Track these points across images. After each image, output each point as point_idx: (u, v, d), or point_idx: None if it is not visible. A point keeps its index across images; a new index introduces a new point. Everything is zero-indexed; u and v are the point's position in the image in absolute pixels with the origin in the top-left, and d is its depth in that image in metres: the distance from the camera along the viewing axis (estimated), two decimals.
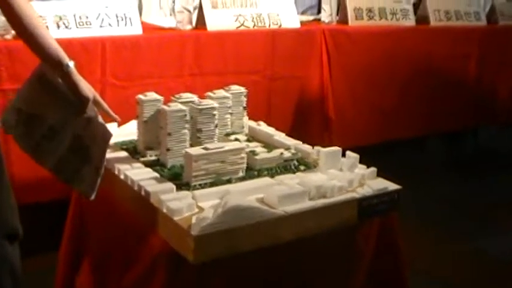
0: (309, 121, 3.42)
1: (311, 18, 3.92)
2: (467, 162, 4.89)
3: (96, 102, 1.83)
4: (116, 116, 1.95)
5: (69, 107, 1.78)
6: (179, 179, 1.96)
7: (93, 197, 1.83)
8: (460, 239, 3.39)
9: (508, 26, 4.54)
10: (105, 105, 1.90)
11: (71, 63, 1.73)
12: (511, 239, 3.49)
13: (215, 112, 2.16)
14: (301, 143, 2.31)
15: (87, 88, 1.77)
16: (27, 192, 2.54)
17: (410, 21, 3.94)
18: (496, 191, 4.18)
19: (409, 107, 3.96)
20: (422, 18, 4.05)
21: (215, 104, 2.17)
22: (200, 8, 3.10)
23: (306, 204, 1.82)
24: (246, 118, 2.44)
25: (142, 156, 2.17)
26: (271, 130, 2.44)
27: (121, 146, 2.27)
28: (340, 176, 2.01)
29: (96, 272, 2.30)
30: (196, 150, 1.92)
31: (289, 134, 2.39)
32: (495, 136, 5.48)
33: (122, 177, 2.00)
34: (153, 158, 2.16)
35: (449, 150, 5.25)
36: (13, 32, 2.57)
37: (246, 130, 2.44)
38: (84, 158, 1.82)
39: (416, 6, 4.08)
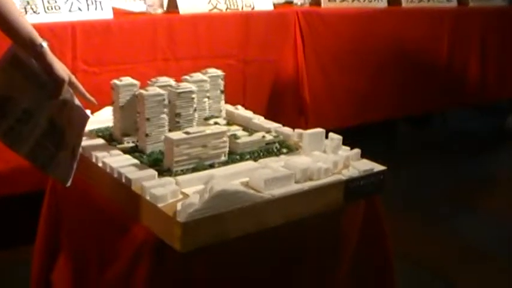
0: (284, 104, 3.38)
1: (282, 0, 3.86)
2: (439, 144, 4.92)
3: (71, 84, 1.76)
4: (93, 99, 1.88)
5: (44, 89, 1.70)
6: (159, 165, 1.89)
7: (69, 183, 1.75)
8: (437, 221, 3.39)
9: (478, 7, 4.55)
10: (81, 87, 1.83)
11: (45, 43, 1.65)
12: (486, 218, 3.51)
13: (194, 96, 2.10)
14: (281, 125, 2.26)
15: (62, 69, 1.70)
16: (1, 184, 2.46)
17: (382, 3, 3.92)
18: (470, 172, 4.20)
19: (382, 89, 3.94)
20: (394, 0, 4.02)
21: (193, 88, 2.10)
22: None
23: (292, 187, 1.78)
24: (223, 102, 2.39)
25: (120, 143, 2.10)
26: (249, 113, 2.39)
27: (96, 133, 2.19)
28: (324, 158, 1.96)
29: (73, 265, 2.22)
30: (177, 135, 1.86)
31: (265, 118, 2.34)
32: (462, 118, 5.51)
33: (99, 165, 1.92)
34: (131, 144, 2.09)
35: (419, 133, 5.26)
36: None
37: (224, 114, 2.38)
38: (60, 143, 1.74)
39: None
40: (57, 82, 1.68)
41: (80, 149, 1.77)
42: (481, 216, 3.52)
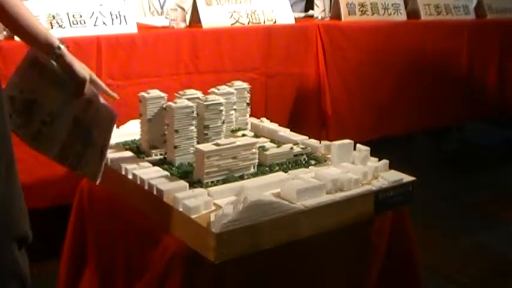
0: (305, 117, 3.37)
1: (302, 15, 3.88)
2: (456, 157, 4.90)
3: (92, 82, 1.77)
4: (115, 94, 1.90)
5: (66, 89, 1.72)
6: (189, 177, 1.90)
7: (98, 181, 1.77)
8: (460, 234, 3.37)
9: (496, 20, 4.54)
10: (103, 85, 1.85)
11: (62, 45, 1.66)
12: (508, 231, 3.48)
13: (222, 108, 2.10)
14: (307, 138, 2.26)
15: (82, 68, 1.71)
16: (25, 198, 2.45)
17: (401, 16, 3.92)
18: (487, 185, 4.17)
19: (402, 102, 3.93)
20: (413, 13, 4.03)
21: (222, 100, 2.11)
22: (194, 5, 3.04)
23: (324, 198, 1.78)
24: (248, 114, 2.39)
25: (147, 156, 2.10)
26: (275, 126, 2.39)
27: (123, 146, 2.20)
28: (354, 169, 1.96)
29: (100, 278, 2.22)
30: (207, 147, 1.86)
31: None
32: (479, 130, 5.48)
33: (129, 177, 1.93)
34: (159, 156, 2.09)
35: (436, 145, 5.24)
36: (5, 32, 2.50)
37: (249, 127, 2.38)
38: (87, 142, 1.75)
39: (406, 1, 4.05)
40: (78, 81, 1.69)
41: (109, 145, 1.80)
42: (503, 230, 3.48)
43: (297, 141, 2.18)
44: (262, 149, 2.04)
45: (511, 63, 4.60)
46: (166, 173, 1.90)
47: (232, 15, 3.12)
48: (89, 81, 1.73)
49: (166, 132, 2.06)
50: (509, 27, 4.56)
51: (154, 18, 3.39)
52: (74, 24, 2.64)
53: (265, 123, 2.43)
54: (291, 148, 2.07)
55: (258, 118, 2.48)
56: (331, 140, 2.17)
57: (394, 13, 3.87)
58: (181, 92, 2.17)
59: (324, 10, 3.60)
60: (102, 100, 1.78)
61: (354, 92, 3.61)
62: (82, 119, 1.76)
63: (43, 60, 1.71)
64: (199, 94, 2.16)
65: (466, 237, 3.33)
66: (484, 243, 3.28)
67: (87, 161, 1.76)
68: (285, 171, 1.96)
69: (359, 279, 1.99)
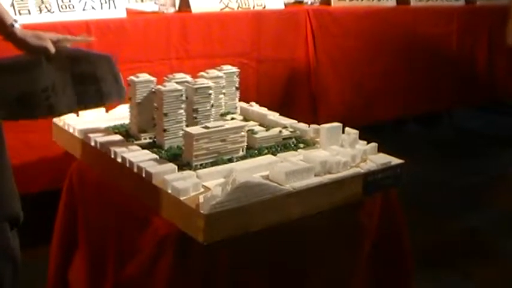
0: (295, 102, 3.38)
1: (292, 0, 3.87)
2: (445, 142, 4.92)
3: (60, 41, 1.77)
4: (89, 38, 1.94)
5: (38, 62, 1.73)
6: (178, 159, 1.90)
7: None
8: (449, 218, 3.39)
9: (485, 5, 4.55)
10: (71, 37, 1.87)
11: (16, 24, 1.67)
12: (496, 215, 3.51)
13: (211, 91, 2.10)
14: (296, 121, 2.27)
15: (37, 37, 1.71)
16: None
17: (391, 2, 3.93)
18: (477, 170, 4.21)
19: (392, 87, 3.95)
20: None
21: (210, 83, 2.11)
22: None
23: (312, 180, 1.78)
24: (238, 99, 2.39)
25: (137, 140, 2.10)
26: (264, 110, 2.40)
27: (113, 130, 2.20)
28: (342, 152, 1.97)
29: (91, 262, 2.22)
30: (196, 129, 1.87)
31: None
32: (468, 115, 5.50)
33: (118, 160, 1.93)
34: (148, 140, 2.10)
35: (426, 130, 5.26)
36: None
37: (239, 111, 2.39)
38: (96, 79, 1.81)
39: None
40: (40, 51, 1.69)
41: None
42: (492, 214, 3.51)
43: (286, 124, 2.19)
44: (251, 132, 2.04)
45: (500, 49, 4.61)
46: (155, 156, 1.90)
47: (221, 0, 3.11)
48: (54, 42, 1.73)
49: (155, 115, 2.06)
50: (498, 12, 4.57)
51: (144, 4, 3.38)
52: (62, 8, 2.63)
53: (255, 107, 2.43)
54: (280, 131, 2.08)
55: (248, 103, 2.48)
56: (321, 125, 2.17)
57: None
58: (170, 76, 2.17)
59: None
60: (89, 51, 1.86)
61: (344, 77, 3.63)
62: (78, 72, 1.80)
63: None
64: (188, 78, 2.17)
65: (455, 221, 3.35)
66: (473, 227, 3.30)
67: (108, 89, 1.83)
68: (274, 154, 1.97)
69: (349, 261, 2.01)
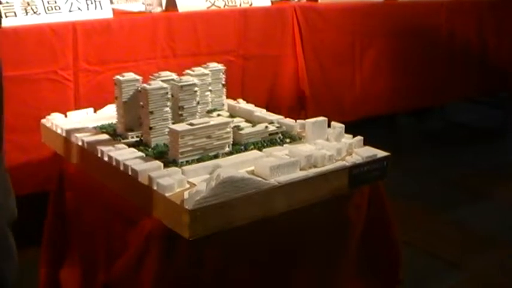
0: (283, 99, 3.39)
1: None
2: (437, 135, 4.95)
3: None
4: None
5: None
6: (164, 157, 1.91)
7: None
8: (440, 209, 3.41)
9: None
10: None
11: None
12: (487, 206, 3.52)
13: (196, 88, 2.11)
14: (283, 117, 2.28)
15: None
16: None
17: None
18: (468, 162, 4.24)
19: (380, 83, 3.95)
20: None
21: (196, 81, 2.12)
22: None
23: (297, 174, 1.79)
24: (224, 96, 2.40)
25: (124, 138, 2.11)
26: (251, 106, 2.41)
27: (100, 129, 2.21)
28: (328, 146, 1.98)
29: (81, 263, 2.24)
30: (181, 126, 1.88)
31: None
32: (460, 108, 5.52)
33: (105, 159, 1.94)
34: (135, 139, 2.11)
35: (417, 123, 5.28)
36: None
37: (226, 108, 2.40)
38: None
39: None
40: None
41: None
42: (483, 205, 3.53)
43: (272, 120, 2.20)
44: (237, 128, 2.05)
45: (490, 42, 4.63)
46: (141, 153, 1.91)
47: None
48: None
49: (141, 114, 2.07)
50: (487, 5, 4.58)
51: (130, 3, 3.38)
52: (48, 10, 2.63)
53: (242, 104, 2.44)
54: (266, 127, 2.09)
55: (235, 100, 2.49)
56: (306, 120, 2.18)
57: None
58: (156, 74, 2.18)
59: None
60: None
61: (332, 74, 3.63)
62: None
63: None
64: (173, 76, 2.17)
65: (446, 212, 3.38)
66: (464, 218, 3.32)
67: None
68: (260, 149, 1.98)
69: (338, 254, 2.02)
